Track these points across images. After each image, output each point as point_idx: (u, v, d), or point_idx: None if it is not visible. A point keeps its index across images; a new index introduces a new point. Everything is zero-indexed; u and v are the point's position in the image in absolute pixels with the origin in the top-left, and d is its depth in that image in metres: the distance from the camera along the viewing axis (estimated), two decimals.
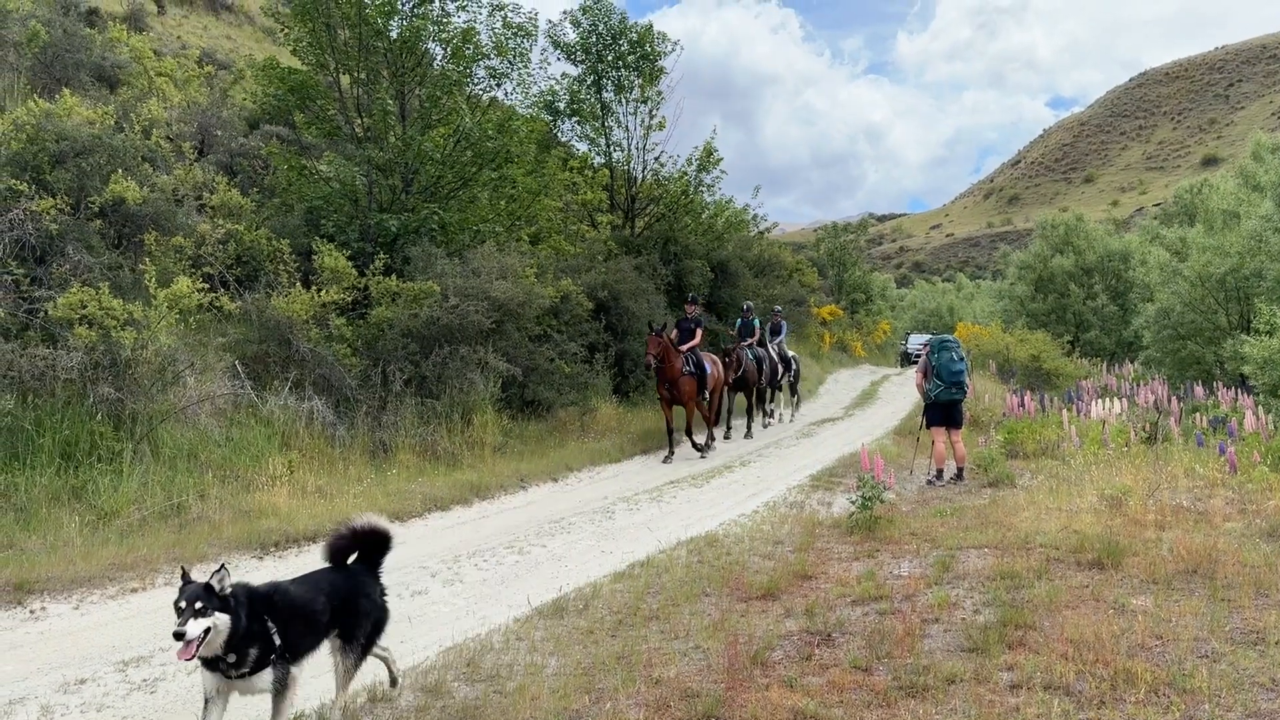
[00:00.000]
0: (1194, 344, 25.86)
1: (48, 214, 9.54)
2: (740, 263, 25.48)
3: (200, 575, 3.86)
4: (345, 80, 14.73)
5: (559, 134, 22.10)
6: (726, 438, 16.06)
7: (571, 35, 21.21)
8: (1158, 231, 39.95)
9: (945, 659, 4.99)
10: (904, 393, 25.05)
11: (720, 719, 4.39)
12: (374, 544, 4.68)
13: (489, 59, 15.51)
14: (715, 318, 17.24)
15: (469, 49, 15.13)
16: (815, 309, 36.53)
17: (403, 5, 14.64)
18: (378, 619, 4.55)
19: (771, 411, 18.55)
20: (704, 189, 22.89)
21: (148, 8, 27.39)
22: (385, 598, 4.67)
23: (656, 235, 22.37)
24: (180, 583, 3.74)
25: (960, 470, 11.42)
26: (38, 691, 4.91)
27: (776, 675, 4.88)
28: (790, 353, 19.61)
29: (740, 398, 17.80)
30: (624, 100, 21.69)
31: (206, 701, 3.86)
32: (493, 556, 8.01)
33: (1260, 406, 14.82)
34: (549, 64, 21.10)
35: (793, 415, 19.63)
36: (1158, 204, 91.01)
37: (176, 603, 3.66)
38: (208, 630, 3.65)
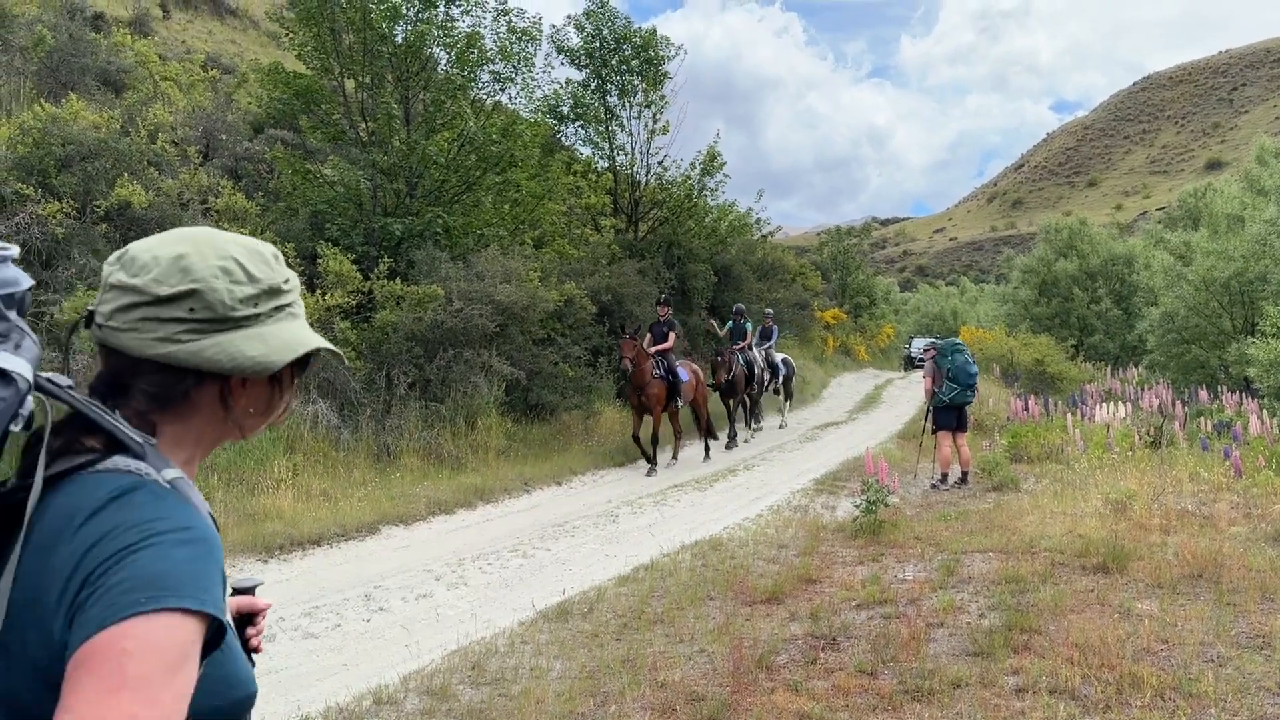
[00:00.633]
0: (1198, 348, 25.83)
1: (54, 218, 9.57)
2: (744, 266, 25.50)
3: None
4: (350, 85, 14.76)
5: (563, 138, 22.13)
6: (728, 448, 15.42)
7: (575, 40, 21.25)
8: (1162, 235, 39.89)
9: (950, 663, 4.99)
10: (908, 397, 25.04)
11: None
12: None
13: (493, 63, 15.53)
14: (718, 322, 16.87)
15: (473, 53, 15.15)
16: (819, 313, 36.51)
17: (407, 10, 14.67)
18: None
19: (759, 415, 17.89)
20: (707, 193, 22.91)
21: (153, 12, 27.49)
22: None
23: (660, 239, 22.39)
24: None
25: (965, 474, 11.42)
26: None
27: (781, 679, 4.88)
28: (780, 356, 19.04)
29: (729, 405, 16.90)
30: (628, 104, 21.71)
31: None
32: (497, 560, 8.02)
33: (1265, 410, 14.81)
34: (553, 68, 21.11)
35: (784, 419, 19.15)
36: (1161, 208, 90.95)
37: None
38: None
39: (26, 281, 1.09)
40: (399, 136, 14.65)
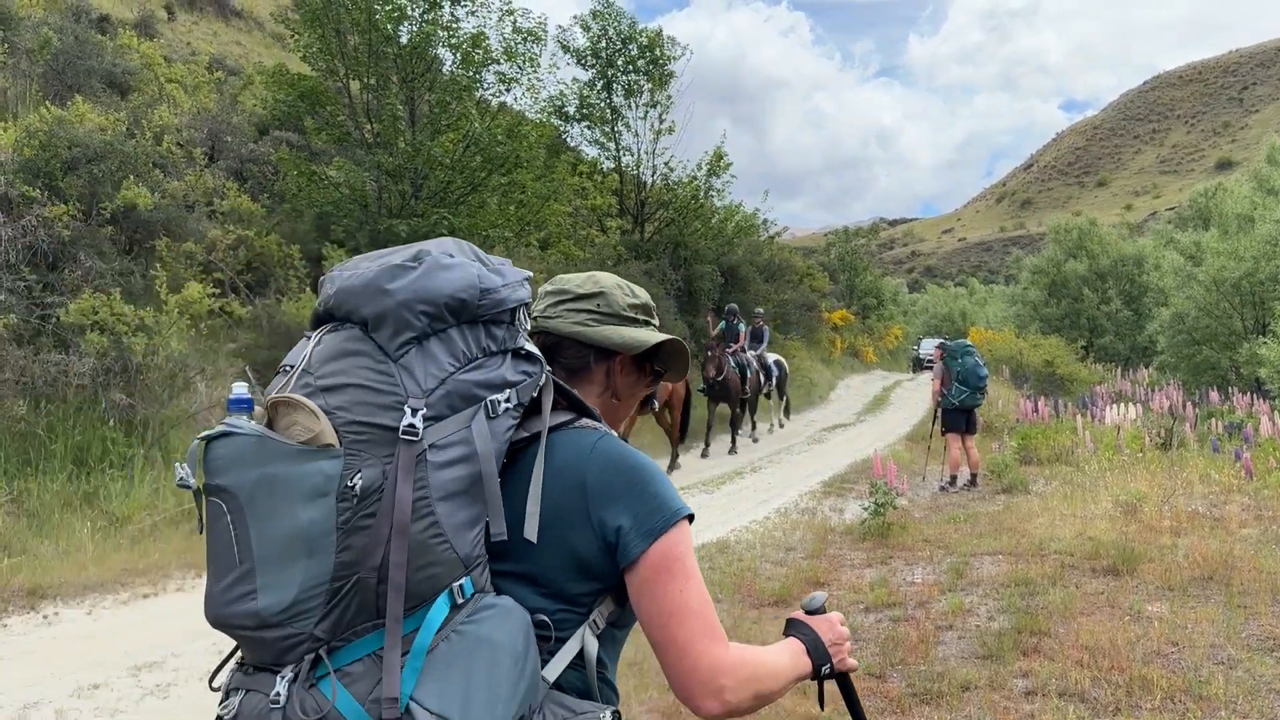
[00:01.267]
0: (1209, 349, 25.71)
1: (60, 220, 9.57)
2: (750, 267, 25.44)
3: None
4: (355, 86, 14.76)
5: (568, 139, 22.14)
6: (704, 455, 14.44)
7: (581, 40, 21.27)
8: (1172, 236, 39.79)
9: (959, 666, 4.95)
10: (916, 398, 24.96)
11: None
12: None
13: (498, 64, 15.52)
14: (714, 317, 16.32)
15: (478, 54, 15.13)
16: (826, 314, 36.43)
17: (412, 11, 14.67)
18: None
19: (754, 423, 17.02)
20: (713, 193, 22.90)
21: (158, 14, 27.56)
22: None
23: (666, 240, 22.36)
24: None
25: (974, 476, 11.36)
26: (51, 696, 4.91)
27: None
28: (773, 357, 18.12)
29: (723, 409, 15.34)
30: (634, 105, 21.71)
31: None
32: None
33: (1276, 411, 14.71)
34: (558, 68, 21.09)
35: (781, 422, 18.65)
36: (1171, 208, 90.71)
37: None
38: None
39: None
40: (404, 138, 14.65)
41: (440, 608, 1.28)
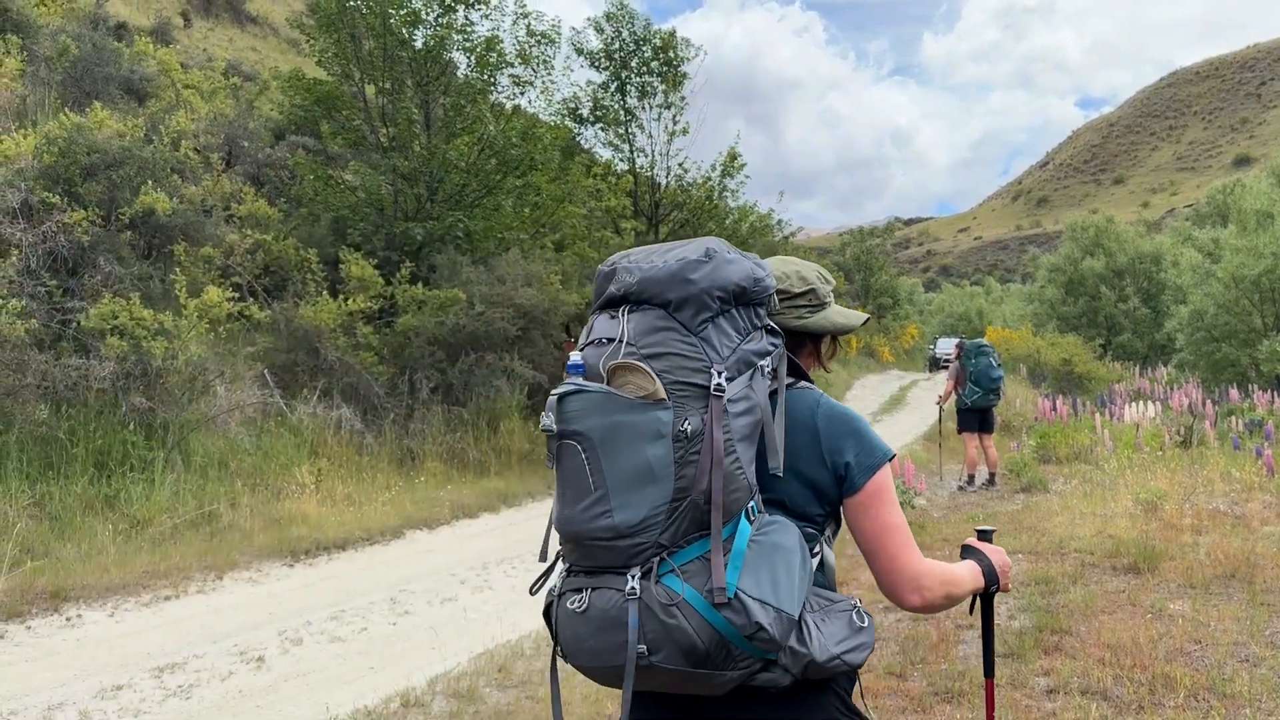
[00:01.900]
0: (1228, 346, 25.48)
1: (79, 226, 9.64)
2: None
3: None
4: (370, 90, 14.82)
5: (582, 140, 22.15)
6: None
7: (595, 42, 21.27)
8: (1190, 233, 39.44)
9: (980, 663, 4.93)
10: (933, 398, 24.81)
11: None
12: None
13: (512, 67, 15.55)
14: None
15: (492, 57, 15.18)
16: None
17: (427, 15, 14.72)
18: None
19: None
20: (728, 194, 22.87)
21: (174, 21, 27.74)
22: None
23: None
24: None
25: (992, 475, 11.31)
26: (75, 698, 4.95)
27: None
28: None
29: None
30: (647, 106, 21.70)
31: None
32: (521, 563, 8.00)
33: None
34: (571, 70, 21.12)
35: None
36: (1189, 205, 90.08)
37: None
38: None
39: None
40: (419, 141, 14.70)
41: (744, 523, 1.66)
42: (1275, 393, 18.10)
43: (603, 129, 21.84)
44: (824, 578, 1.89)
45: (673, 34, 21.48)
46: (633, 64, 21.26)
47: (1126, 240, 41.54)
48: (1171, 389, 20.18)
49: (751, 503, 1.69)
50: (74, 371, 8.69)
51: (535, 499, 10.95)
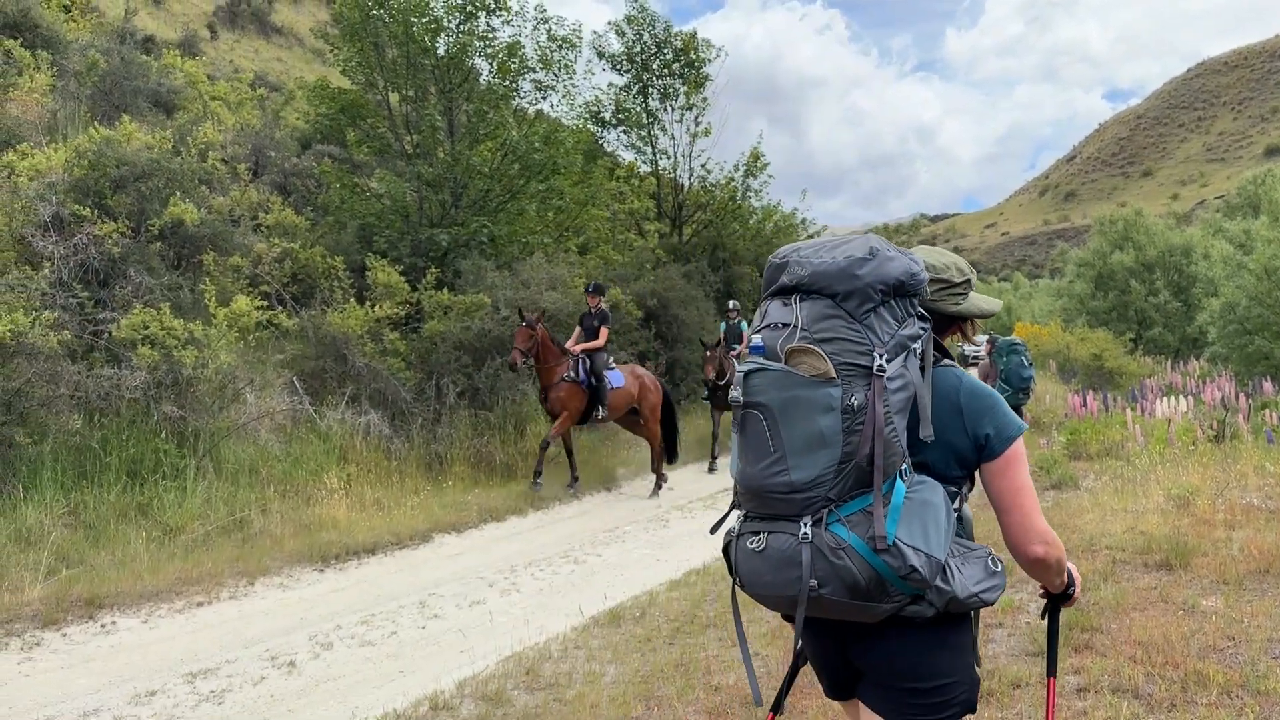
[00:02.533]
0: (1261, 338, 25.14)
1: (110, 238, 9.77)
2: None
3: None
4: (394, 98, 14.93)
5: (605, 143, 22.20)
6: (710, 470, 13.59)
7: (616, 45, 21.33)
8: (1220, 224, 38.99)
9: (1010, 663, 4.90)
10: None
11: None
12: None
13: (534, 72, 15.61)
14: (724, 323, 15.54)
15: (514, 63, 15.24)
16: None
17: (449, 23, 14.80)
18: None
19: None
20: (751, 194, 22.86)
21: (201, 33, 28.07)
22: None
23: (704, 242, 22.34)
24: None
25: None
26: (110, 703, 5.03)
27: None
28: None
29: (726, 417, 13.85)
30: (669, 108, 21.74)
31: None
32: (549, 566, 8.03)
33: None
34: (593, 74, 21.19)
35: None
36: (1220, 196, 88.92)
37: None
38: None
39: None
40: (443, 148, 14.79)
41: (899, 482, 1.98)
42: None
43: (625, 132, 21.89)
44: (963, 529, 2.25)
45: (693, 35, 21.51)
46: (654, 66, 21.30)
47: (1156, 233, 41.06)
48: (1204, 383, 19.92)
49: (904, 465, 2.00)
50: (106, 382, 8.81)
51: (562, 501, 10.98)
